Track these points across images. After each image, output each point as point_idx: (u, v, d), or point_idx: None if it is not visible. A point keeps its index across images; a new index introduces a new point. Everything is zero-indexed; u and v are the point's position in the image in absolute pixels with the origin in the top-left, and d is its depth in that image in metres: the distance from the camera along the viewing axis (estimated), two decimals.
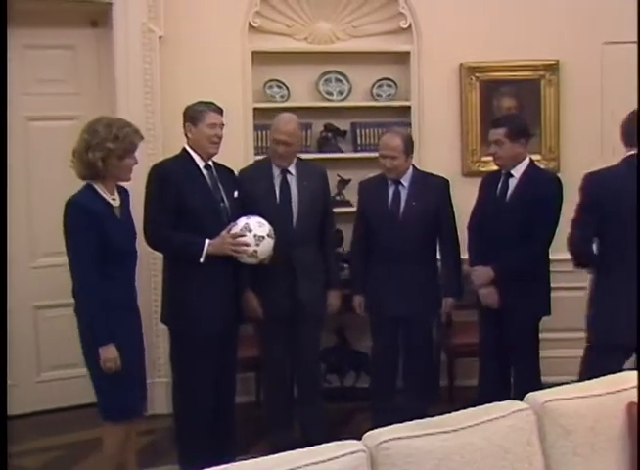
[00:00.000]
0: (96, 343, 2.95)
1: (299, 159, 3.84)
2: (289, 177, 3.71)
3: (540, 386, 3.44)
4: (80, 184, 4.07)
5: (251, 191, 3.62)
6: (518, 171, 3.67)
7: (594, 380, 2.33)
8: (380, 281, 3.77)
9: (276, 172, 3.71)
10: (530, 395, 2.22)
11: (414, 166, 3.83)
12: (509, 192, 3.67)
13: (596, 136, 4.64)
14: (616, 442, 2.19)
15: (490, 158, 3.90)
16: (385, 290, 3.75)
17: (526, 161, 3.69)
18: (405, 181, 3.77)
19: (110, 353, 2.94)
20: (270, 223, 3.40)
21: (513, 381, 3.80)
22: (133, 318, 3.15)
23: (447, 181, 3.86)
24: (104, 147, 2.96)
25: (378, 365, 3.96)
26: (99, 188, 3.02)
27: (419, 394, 3.80)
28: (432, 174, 3.92)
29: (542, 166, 4.64)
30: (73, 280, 3.00)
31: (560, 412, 2.14)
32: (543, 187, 3.63)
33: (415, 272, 3.73)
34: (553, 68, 4.65)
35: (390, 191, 3.78)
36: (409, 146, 3.76)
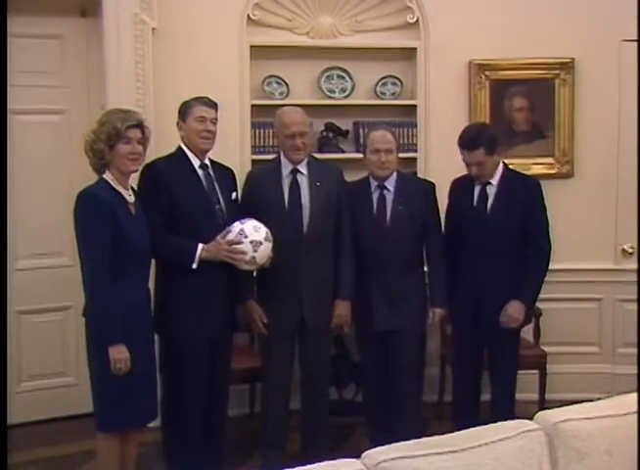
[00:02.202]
0: (106, 342, 2.95)
1: (313, 157, 3.81)
2: (299, 177, 3.64)
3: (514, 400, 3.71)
4: (66, 184, 4.11)
5: (258, 193, 3.61)
6: (495, 178, 3.71)
7: (609, 399, 2.32)
8: (365, 292, 3.73)
9: (285, 172, 3.64)
10: (540, 414, 2.21)
11: (398, 170, 3.81)
12: (489, 201, 3.70)
13: (612, 139, 4.64)
14: (634, 467, 2.15)
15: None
16: (371, 301, 3.72)
17: (501, 165, 3.73)
18: (390, 185, 3.75)
19: (120, 353, 2.95)
20: (278, 228, 3.39)
21: (492, 396, 3.85)
22: (145, 323, 3.17)
23: (434, 184, 3.85)
24: (92, 133, 3.04)
25: (368, 381, 3.95)
26: (112, 182, 3.06)
27: (408, 410, 3.79)
28: (416, 176, 3.91)
29: (554, 171, 4.67)
30: (84, 276, 3.01)
31: (573, 433, 2.12)
32: (529, 193, 3.70)
33: (402, 282, 3.71)
34: (568, 66, 4.63)
35: (375, 196, 3.76)
36: (398, 143, 3.80)
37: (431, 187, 3.84)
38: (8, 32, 3.47)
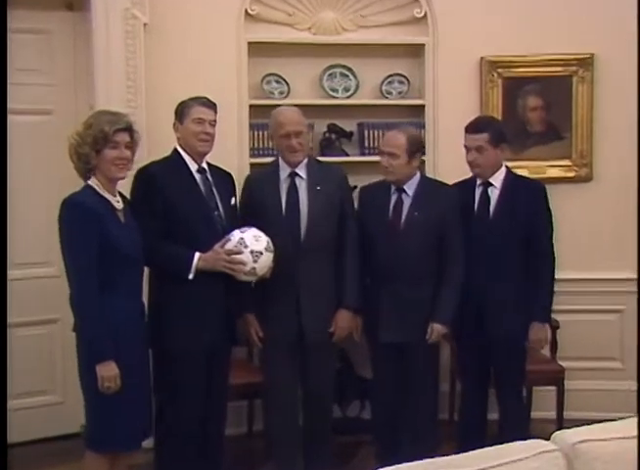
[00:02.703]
0: (94, 359, 2.93)
1: (314, 160, 3.80)
2: (298, 181, 3.64)
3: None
4: (52, 190, 4.08)
5: (255, 198, 3.60)
6: (497, 180, 3.71)
7: (633, 419, 2.28)
8: (374, 301, 3.70)
9: (283, 175, 3.64)
10: (558, 434, 2.17)
11: (422, 174, 3.78)
12: (492, 205, 3.69)
13: (634, 140, 4.56)
14: None
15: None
16: (381, 313, 3.68)
17: (504, 168, 3.74)
18: (409, 189, 3.72)
19: (109, 371, 2.93)
20: (274, 234, 3.38)
21: (499, 415, 3.84)
22: (138, 336, 3.13)
23: (457, 191, 3.80)
24: (77, 136, 3.02)
25: (377, 396, 3.93)
26: (99, 188, 3.04)
27: (422, 430, 3.77)
28: (440, 182, 3.89)
29: (572, 174, 4.64)
30: (71, 288, 2.99)
31: (594, 455, 2.07)
32: (533, 196, 3.69)
33: (413, 291, 3.67)
34: (587, 62, 4.60)
35: (392, 200, 3.73)
36: (415, 147, 3.70)
37: (454, 196, 3.76)
38: (8, 28, 3.46)
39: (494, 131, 3.67)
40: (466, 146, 3.69)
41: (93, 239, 2.93)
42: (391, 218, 3.72)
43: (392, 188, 3.74)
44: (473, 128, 3.69)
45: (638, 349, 3.23)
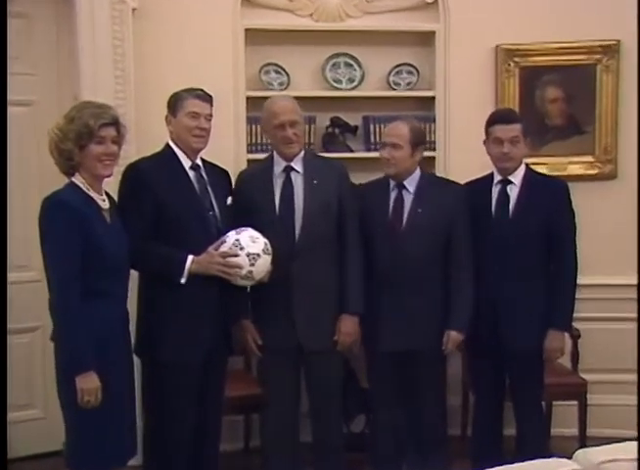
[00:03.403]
0: (74, 369, 2.91)
1: (312, 153, 3.80)
2: (293, 175, 3.63)
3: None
4: (32, 187, 4.07)
5: (247, 195, 3.59)
6: (517, 177, 3.71)
7: None
8: (373, 306, 3.68)
9: (278, 170, 3.63)
10: (581, 452, 2.16)
11: (422, 170, 3.78)
12: (511, 204, 3.69)
13: None
14: None
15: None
16: (382, 321, 3.67)
17: (523, 165, 3.74)
18: (410, 185, 3.72)
19: (89, 383, 2.91)
20: (267, 233, 3.36)
21: (516, 431, 3.83)
22: (122, 345, 3.12)
23: (464, 188, 3.81)
24: (59, 130, 3.00)
25: (376, 412, 3.92)
26: (83, 186, 3.03)
27: (429, 446, 3.77)
28: (446, 179, 3.88)
29: (594, 171, 4.63)
30: (51, 294, 2.97)
31: None
32: (556, 195, 3.70)
33: (417, 297, 3.65)
34: (612, 50, 4.58)
35: (392, 196, 3.73)
36: (418, 138, 3.72)
37: (461, 193, 3.77)
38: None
39: (523, 122, 3.71)
40: (498, 138, 3.66)
41: (77, 242, 2.91)
42: (392, 217, 3.71)
43: (392, 185, 3.74)
44: (508, 118, 3.71)
45: (638, 353, 3.23)
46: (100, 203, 3.06)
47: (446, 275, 3.72)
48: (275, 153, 3.68)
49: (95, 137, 3.00)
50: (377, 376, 3.85)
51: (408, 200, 3.70)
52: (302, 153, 3.66)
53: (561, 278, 3.67)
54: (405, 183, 3.71)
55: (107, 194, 3.15)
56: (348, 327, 3.66)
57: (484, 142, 3.73)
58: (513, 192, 3.69)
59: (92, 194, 3.04)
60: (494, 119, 3.71)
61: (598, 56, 4.60)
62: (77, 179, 3.04)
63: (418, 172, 3.74)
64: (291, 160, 3.62)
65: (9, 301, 4.01)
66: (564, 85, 4.62)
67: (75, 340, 2.92)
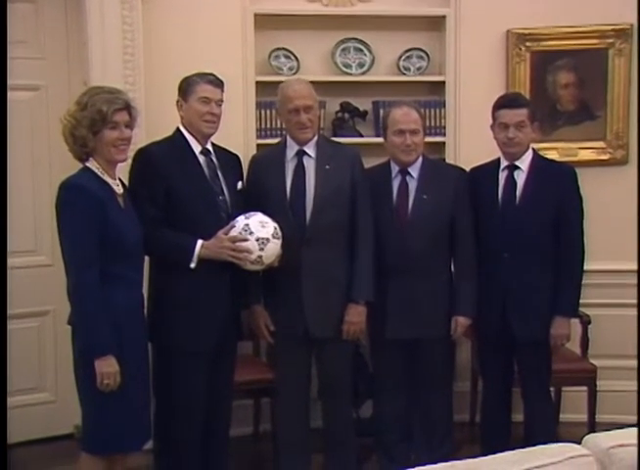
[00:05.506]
0: (93, 353, 2.93)
1: (325, 138, 3.79)
2: (306, 160, 3.62)
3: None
4: (42, 172, 4.08)
5: (259, 180, 3.59)
6: (524, 163, 3.70)
7: None
8: (380, 293, 3.68)
9: (290, 154, 3.63)
10: (590, 437, 2.16)
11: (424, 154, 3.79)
12: (518, 189, 3.68)
13: None
14: None
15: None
16: (389, 308, 3.67)
17: (530, 150, 3.73)
18: (414, 171, 3.71)
19: (108, 367, 2.93)
20: (277, 218, 3.37)
21: (524, 417, 3.86)
22: (138, 330, 3.14)
23: (465, 172, 3.82)
24: (72, 117, 3.00)
25: (381, 398, 3.93)
26: (98, 171, 3.04)
27: (437, 432, 3.80)
28: (446, 163, 3.87)
29: (606, 157, 4.60)
30: (69, 278, 2.98)
31: (630, 462, 2.04)
32: (563, 181, 3.68)
33: (424, 284, 3.66)
34: (625, 34, 4.55)
35: (396, 183, 3.73)
36: (424, 123, 3.77)
37: (463, 176, 3.78)
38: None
39: (531, 107, 3.71)
40: (504, 123, 3.66)
41: (95, 226, 2.93)
42: (397, 204, 3.71)
43: (394, 171, 3.74)
44: (514, 103, 3.70)
45: (638, 346, 3.22)
46: (114, 188, 3.08)
47: (451, 260, 3.74)
48: (288, 137, 3.67)
49: (109, 123, 3.01)
50: (383, 363, 3.86)
51: (412, 186, 3.70)
52: (316, 138, 3.65)
53: (567, 264, 3.66)
54: (409, 169, 3.71)
55: (120, 180, 3.16)
56: (354, 316, 3.64)
57: (491, 126, 3.72)
58: (520, 178, 3.69)
59: (107, 179, 3.06)
60: (500, 104, 3.71)
61: (610, 40, 4.57)
62: (92, 164, 3.05)
63: (420, 157, 3.75)
64: (304, 144, 3.61)
65: (18, 286, 4.05)
66: (575, 70, 4.59)
67: (94, 324, 2.94)
